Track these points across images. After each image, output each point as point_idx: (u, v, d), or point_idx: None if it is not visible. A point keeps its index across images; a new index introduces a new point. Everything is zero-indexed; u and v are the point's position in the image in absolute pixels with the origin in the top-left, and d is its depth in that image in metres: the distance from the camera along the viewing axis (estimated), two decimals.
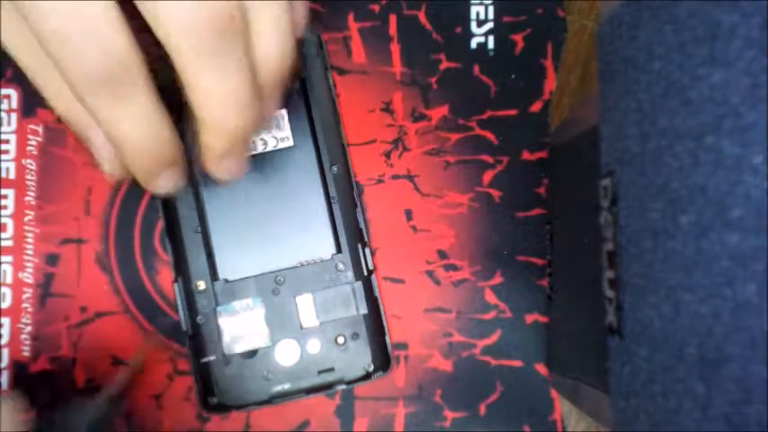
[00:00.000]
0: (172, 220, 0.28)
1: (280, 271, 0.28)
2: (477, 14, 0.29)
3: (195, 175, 0.27)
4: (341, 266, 0.28)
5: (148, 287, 0.28)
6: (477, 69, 0.29)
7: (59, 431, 0.23)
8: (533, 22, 0.29)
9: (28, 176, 0.28)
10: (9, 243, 0.28)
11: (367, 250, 0.28)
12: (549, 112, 0.29)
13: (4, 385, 0.28)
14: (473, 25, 0.29)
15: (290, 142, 0.28)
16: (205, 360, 0.28)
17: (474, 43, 0.29)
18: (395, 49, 0.29)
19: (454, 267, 0.29)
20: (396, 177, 0.29)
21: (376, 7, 0.29)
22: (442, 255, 0.29)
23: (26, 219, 0.28)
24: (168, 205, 0.28)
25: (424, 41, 0.29)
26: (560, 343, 0.27)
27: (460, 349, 0.28)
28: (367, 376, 0.28)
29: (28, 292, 0.28)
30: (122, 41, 0.20)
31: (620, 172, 0.18)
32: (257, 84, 0.22)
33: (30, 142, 0.28)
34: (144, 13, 0.20)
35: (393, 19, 0.29)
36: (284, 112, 0.28)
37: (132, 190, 0.28)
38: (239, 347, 0.28)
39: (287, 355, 0.28)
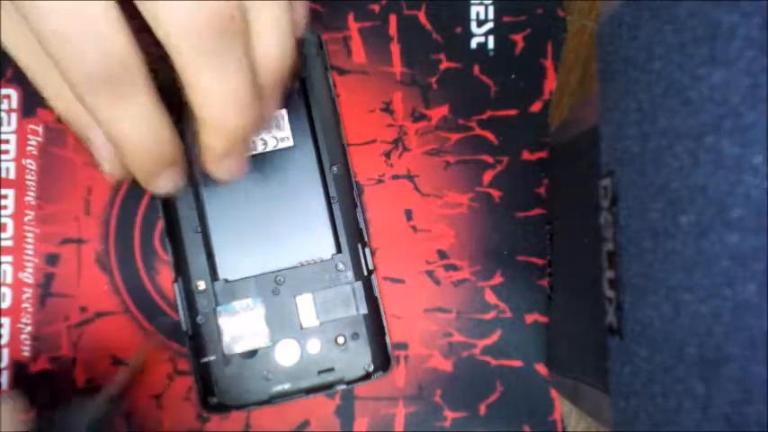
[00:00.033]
0: (172, 220, 0.28)
1: (280, 271, 0.28)
2: (477, 14, 0.29)
3: (195, 175, 0.27)
4: (341, 266, 0.28)
5: (148, 287, 0.28)
6: (477, 69, 0.29)
7: (59, 431, 0.23)
8: (533, 22, 0.29)
9: (28, 176, 0.28)
10: (9, 243, 0.28)
11: (367, 250, 0.28)
12: (549, 112, 0.29)
13: (4, 385, 0.28)
14: (473, 25, 0.29)
15: (290, 142, 0.28)
16: (205, 360, 0.28)
17: (474, 43, 0.29)
18: (395, 49, 0.29)
19: (454, 267, 0.29)
20: (396, 177, 0.29)
21: (376, 7, 0.29)
22: (442, 255, 0.29)
23: (26, 219, 0.28)
24: (168, 205, 0.28)
25: (424, 41, 0.29)
26: (560, 343, 0.27)
27: (460, 349, 0.28)
28: (367, 376, 0.28)
29: (28, 292, 0.28)
30: (122, 41, 0.20)
31: (620, 172, 0.18)
32: (257, 84, 0.22)
33: (30, 142, 0.28)
34: (144, 14, 0.20)
35: (393, 19, 0.29)
36: (284, 112, 0.28)
37: (132, 190, 0.28)
38: (239, 347, 0.28)
39: (287, 355, 0.28)
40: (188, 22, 0.19)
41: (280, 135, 0.28)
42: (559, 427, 0.28)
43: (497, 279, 0.29)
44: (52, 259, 0.28)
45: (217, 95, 0.21)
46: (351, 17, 0.29)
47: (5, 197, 0.28)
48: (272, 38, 0.21)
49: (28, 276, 0.28)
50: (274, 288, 0.28)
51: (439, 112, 0.29)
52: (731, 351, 0.14)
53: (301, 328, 0.28)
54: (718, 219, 0.14)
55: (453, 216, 0.29)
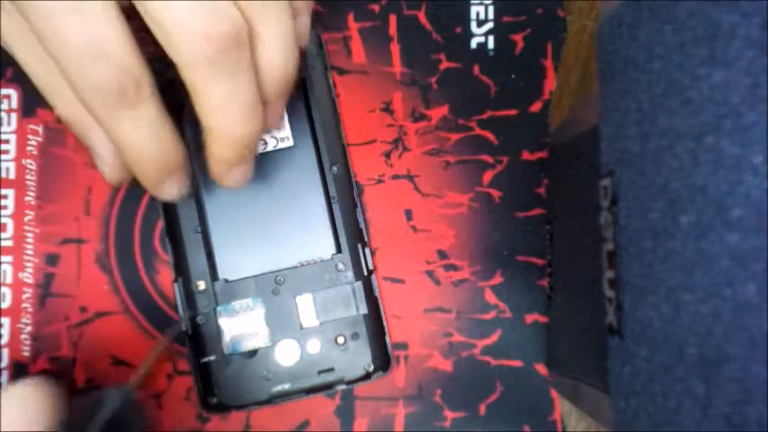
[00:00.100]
0: (172, 220, 0.28)
1: (280, 271, 0.28)
2: (477, 14, 0.29)
3: (195, 176, 0.27)
4: (341, 266, 0.28)
5: (148, 287, 0.28)
6: (477, 69, 0.29)
7: (87, 418, 0.22)
8: (533, 22, 0.29)
9: (28, 176, 0.28)
10: (9, 243, 0.28)
11: (367, 250, 0.28)
12: (549, 112, 0.29)
13: (5, 385, 0.28)
14: (473, 25, 0.29)
15: (290, 142, 0.28)
16: (205, 360, 0.28)
17: (474, 43, 0.29)
18: (395, 49, 0.29)
19: (454, 267, 0.29)
20: (396, 177, 0.29)
21: (376, 7, 0.29)
22: (442, 255, 0.29)
23: (26, 219, 0.28)
24: (168, 205, 0.28)
25: (424, 41, 0.29)
26: (560, 343, 0.27)
27: (460, 349, 0.28)
28: (367, 376, 0.28)
29: (28, 292, 0.28)
30: (131, 55, 0.20)
31: (620, 172, 0.18)
32: (262, 92, 0.22)
33: (30, 142, 0.28)
34: (150, 25, 0.20)
35: (393, 19, 0.29)
36: (284, 111, 0.28)
37: (132, 190, 0.28)
38: (239, 347, 0.28)
39: (287, 355, 0.28)
40: (196, 35, 0.19)
41: (280, 135, 0.28)
42: (559, 427, 0.28)
43: (497, 279, 0.29)
44: (52, 259, 0.28)
45: (224, 106, 0.21)
46: (351, 17, 0.29)
47: (5, 197, 0.28)
48: (277, 48, 0.22)
49: (28, 276, 0.28)
50: (274, 288, 0.28)
51: (439, 112, 0.29)
52: (731, 351, 0.14)
53: (301, 328, 0.28)
54: (718, 219, 0.14)
55: (453, 216, 0.29)
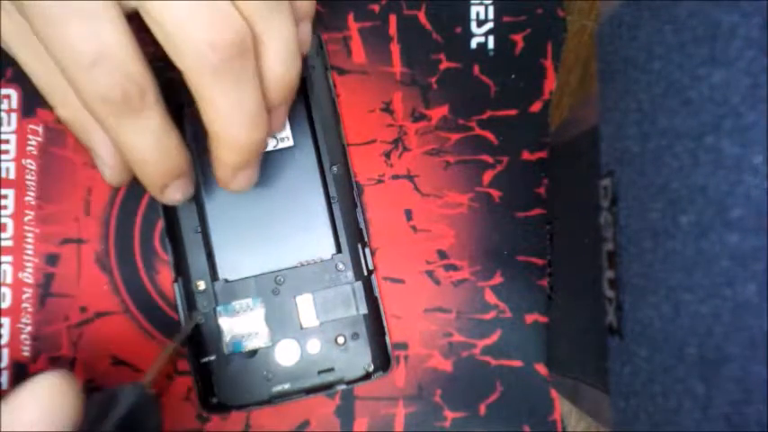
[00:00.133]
0: (172, 220, 0.28)
1: (280, 271, 0.28)
2: (477, 14, 0.29)
3: (195, 176, 0.27)
4: (341, 266, 0.28)
5: (148, 287, 0.28)
6: (477, 69, 0.29)
7: (100, 414, 0.21)
8: (533, 22, 0.29)
9: (28, 176, 0.28)
10: (9, 243, 0.28)
11: (367, 250, 0.28)
12: (549, 112, 0.29)
13: (5, 385, 0.28)
14: (473, 25, 0.29)
15: (290, 142, 0.28)
16: (205, 360, 0.28)
17: (474, 43, 0.29)
18: (395, 49, 0.29)
19: (454, 267, 0.29)
20: (396, 177, 0.29)
21: (376, 7, 0.29)
22: (442, 255, 0.29)
23: (26, 219, 0.28)
24: (168, 205, 0.28)
25: (424, 41, 0.29)
26: (560, 343, 0.27)
27: (460, 349, 0.28)
28: (367, 376, 0.28)
29: (28, 292, 0.28)
30: (136, 63, 0.20)
31: (620, 172, 0.18)
32: (267, 99, 0.22)
33: (30, 142, 0.28)
34: (155, 32, 0.20)
35: (393, 19, 0.29)
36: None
37: (132, 190, 0.28)
38: (239, 347, 0.28)
39: (287, 355, 0.28)
40: (201, 44, 0.20)
41: (280, 135, 0.28)
42: (559, 427, 0.28)
43: (497, 279, 0.29)
44: (52, 259, 0.28)
45: (230, 112, 0.21)
46: (351, 17, 0.29)
47: (5, 197, 0.28)
48: (281, 56, 0.22)
49: (28, 276, 0.28)
50: (274, 288, 0.28)
51: (439, 112, 0.29)
52: (731, 351, 0.14)
53: (301, 328, 0.28)
54: (718, 219, 0.14)
55: (453, 216, 0.29)
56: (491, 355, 0.28)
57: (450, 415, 0.28)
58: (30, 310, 0.28)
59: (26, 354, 0.28)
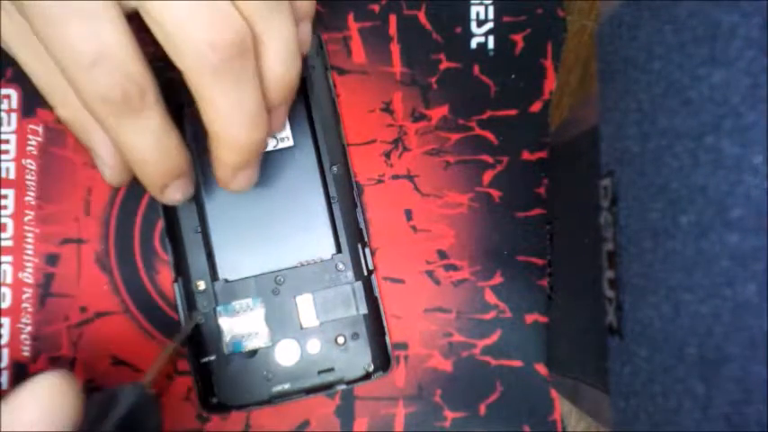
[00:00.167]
0: (172, 220, 0.28)
1: (280, 271, 0.28)
2: (477, 14, 0.29)
3: (195, 176, 0.27)
4: (341, 266, 0.28)
5: (148, 287, 0.28)
6: (477, 69, 0.29)
7: (101, 413, 0.21)
8: (533, 22, 0.29)
9: (28, 176, 0.28)
10: (9, 243, 0.28)
11: (367, 250, 0.28)
12: (549, 112, 0.29)
13: (5, 385, 0.28)
14: (473, 25, 0.29)
15: (290, 142, 0.28)
16: (205, 360, 0.28)
17: (474, 43, 0.29)
18: (395, 49, 0.29)
19: (454, 267, 0.29)
20: (396, 177, 0.29)
21: (376, 7, 0.29)
22: (442, 255, 0.29)
23: (26, 219, 0.28)
24: (168, 205, 0.28)
25: (424, 41, 0.29)
26: (560, 343, 0.27)
27: (460, 349, 0.28)
28: (367, 376, 0.28)
29: (28, 292, 0.28)
30: (136, 63, 0.20)
31: (620, 172, 0.18)
32: (267, 99, 0.22)
33: (30, 142, 0.28)
34: (156, 33, 0.20)
35: (393, 19, 0.29)
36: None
37: (132, 190, 0.28)
38: (239, 347, 0.28)
39: (287, 355, 0.28)
40: (201, 44, 0.20)
41: (280, 135, 0.28)
42: (559, 427, 0.28)
43: (497, 279, 0.29)
44: (52, 259, 0.28)
45: (230, 112, 0.21)
46: (351, 17, 0.29)
47: (5, 197, 0.28)
48: (281, 56, 0.22)
49: (28, 276, 0.28)
50: (274, 288, 0.28)
51: (439, 112, 0.29)
52: (731, 351, 0.14)
53: (301, 328, 0.28)
54: (718, 219, 0.14)
55: (453, 216, 0.29)
56: (491, 355, 0.28)
57: (450, 415, 0.28)
58: (30, 310, 0.28)
59: (26, 354, 0.28)
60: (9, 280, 0.28)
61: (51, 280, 0.28)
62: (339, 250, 0.28)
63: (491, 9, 0.29)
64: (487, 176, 0.29)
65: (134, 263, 0.28)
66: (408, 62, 0.29)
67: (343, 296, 0.28)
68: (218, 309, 0.28)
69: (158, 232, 0.28)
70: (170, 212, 0.28)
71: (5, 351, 0.28)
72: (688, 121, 0.15)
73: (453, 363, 0.28)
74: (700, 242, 0.15)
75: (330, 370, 0.28)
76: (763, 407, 0.13)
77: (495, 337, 0.29)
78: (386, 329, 0.28)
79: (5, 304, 0.28)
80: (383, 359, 0.28)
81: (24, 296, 0.28)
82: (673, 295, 0.16)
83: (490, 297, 0.29)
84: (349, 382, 0.28)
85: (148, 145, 0.22)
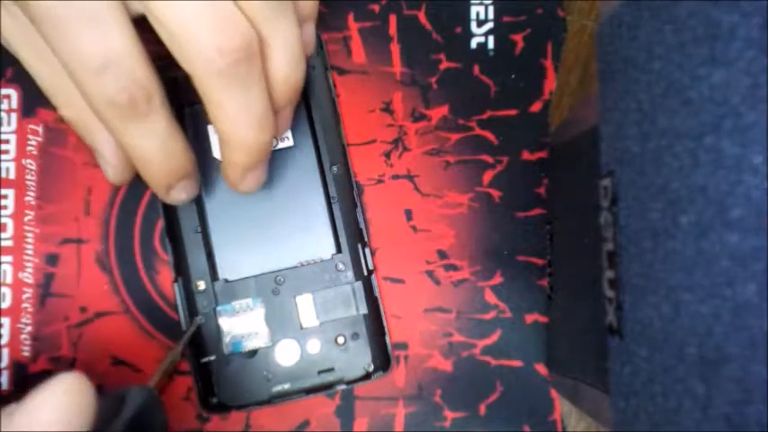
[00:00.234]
0: (172, 220, 0.28)
1: (280, 271, 0.28)
2: (477, 14, 0.29)
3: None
4: (341, 266, 0.28)
5: (148, 287, 0.28)
6: (477, 69, 0.29)
7: (108, 415, 0.21)
8: (533, 22, 0.29)
9: (28, 176, 0.28)
10: (9, 243, 0.28)
11: (367, 250, 0.28)
12: (549, 112, 0.29)
13: (5, 385, 0.28)
14: (473, 25, 0.29)
15: (290, 142, 0.28)
16: (205, 360, 0.28)
17: (474, 43, 0.29)
18: (395, 49, 0.29)
19: (454, 267, 0.29)
20: (396, 177, 0.29)
21: (376, 7, 0.29)
22: (442, 255, 0.29)
23: (26, 219, 0.28)
24: (168, 205, 0.28)
25: (424, 41, 0.29)
26: (560, 343, 0.27)
27: (460, 349, 0.28)
28: (367, 376, 0.28)
29: (28, 292, 0.28)
30: (143, 67, 0.20)
31: (620, 172, 0.18)
32: (273, 101, 0.22)
33: (30, 142, 0.28)
34: (163, 37, 0.20)
35: (393, 19, 0.29)
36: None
37: (132, 190, 0.28)
38: (239, 347, 0.28)
39: (287, 355, 0.28)
40: (208, 48, 0.20)
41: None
42: (559, 427, 0.28)
43: (497, 279, 0.29)
44: (52, 259, 0.28)
45: (238, 115, 0.22)
46: (351, 17, 0.29)
47: (5, 197, 0.28)
48: (287, 59, 0.22)
49: (28, 276, 0.28)
50: (274, 288, 0.28)
51: (439, 112, 0.29)
52: (731, 351, 0.14)
53: (301, 328, 0.28)
54: (718, 219, 0.14)
55: (453, 216, 0.29)
56: (491, 355, 0.28)
57: (450, 415, 0.28)
58: (30, 310, 0.28)
59: (26, 354, 0.28)
60: (9, 280, 0.28)
61: (51, 280, 0.28)
62: (339, 250, 0.28)
63: (491, 9, 0.29)
64: (487, 176, 0.29)
65: (134, 263, 0.28)
66: (408, 62, 0.29)
67: (343, 296, 0.28)
68: (218, 309, 0.28)
69: (158, 232, 0.28)
70: (170, 212, 0.28)
71: (5, 351, 0.28)
72: (688, 121, 0.15)
73: (453, 363, 0.28)
74: (700, 242, 0.15)
75: (330, 370, 0.28)
76: (763, 407, 0.13)
77: (495, 337, 0.29)
78: (386, 329, 0.28)
79: (5, 304, 0.28)
80: (383, 359, 0.28)
81: (24, 296, 0.28)
82: (673, 295, 0.16)
83: (490, 297, 0.29)
84: (349, 382, 0.28)
85: (154, 147, 0.22)
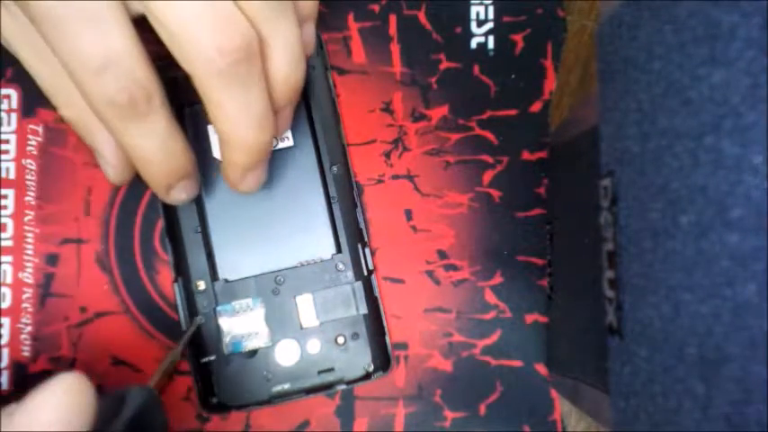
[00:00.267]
0: (172, 220, 0.28)
1: (280, 271, 0.28)
2: (477, 14, 0.29)
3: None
4: (341, 266, 0.28)
5: (148, 287, 0.28)
6: (477, 69, 0.29)
7: (108, 415, 0.21)
8: (533, 22, 0.29)
9: (28, 176, 0.28)
10: (9, 243, 0.28)
11: (367, 250, 0.28)
12: (549, 112, 0.29)
13: (5, 385, 0.28)
14: (473, 25, 0.29)
15: (290, 142, 0.28)
16: (205, 360, 0.28)
17: (474, 43, 0.29)
18: (395, 49, 0.29)
19: (454, 267, 0.29)
20: (396, 177, 0.29)
21: (376, 7, 0.29)
22: (442, 255, 0.29)
23: (26, 219, 0.28)
24: (168, 205, 0.28)
25: (424, 41, 0.29)
26: (560, 343, 0.27)
27: (460, 349, 0.28)
28: (367, 376, 0.28)
29: (28, 292, 0.28)
30: (143, 68, 0.20)
31: (620, 172, 0.18)
32: (273, 101, 0.23)
33: (30, 142, 0.28)
34: (163, 37, 0.20)
35: (393, 19, 0.29)
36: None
37: (132, 190, 0.28)
38: (239, 347, 0.28)
39: (287, 355, 0.28)
40: (209, 49, 0.20)
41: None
42: (559, 427, 0.28)
43: (497, 279, 0.29)
44: (52, 259, 0.28)
45: (239, 115, 0.22)
46: (351, 17, 0.29)
47: (5, 197, 0.28)
48: (287, 59, 0.22)
49: (28, 276, 0.28)
50: (274, 288, 0.28)
51: (439, 112, 0.29)
52: (731, 351, 0.14)
53: (301, 328, 0.28)
54: (718, 219, 0.14)
55: (453, 216, 0.29)
56: (491, 355, 0.28)
57: (450, 415, 0.28)
58: (30, 310, 0.28)
59: (26, 354, 0.28)
60: (9, 280, 0.28)
61: (51, 280, 0.28)
62: (339, 250, 0.28)
63: (491, 9, 0.29)
64: (487, 176, 0.29)
65: (134, 263, 0.28)
66: (408, 62, 0.29)
67: (343, 296, 0.28)
68: (218, 309, 0.28)
69: (158, 232, 0.28)
70: (170, 212, 0.28)
71: (5, 351, 0.28)
72: (688, 121, 0.15)
73: (453, 363, 0.28)
74: (700, 242, 0.15)
75: (330, 370, 0.28)
76: (763, 407, 0.13)
77: (495, 337, 0.29)
78: (386, 329, 0.28)
79: (5, 304, 0.28)
80: (383, 359, 0.28)
81: (24, 296, 0.28)
82: (673, 295, 0.16)
83: (490, 297, 0.29)
84: (349, 382, 0.28)
85: (154, 147, 0.22)
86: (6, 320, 0.28)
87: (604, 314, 0.19)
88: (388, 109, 0.29)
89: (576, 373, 0.24)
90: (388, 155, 0.29)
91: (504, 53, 0.29)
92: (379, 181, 0.29)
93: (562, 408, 0.28)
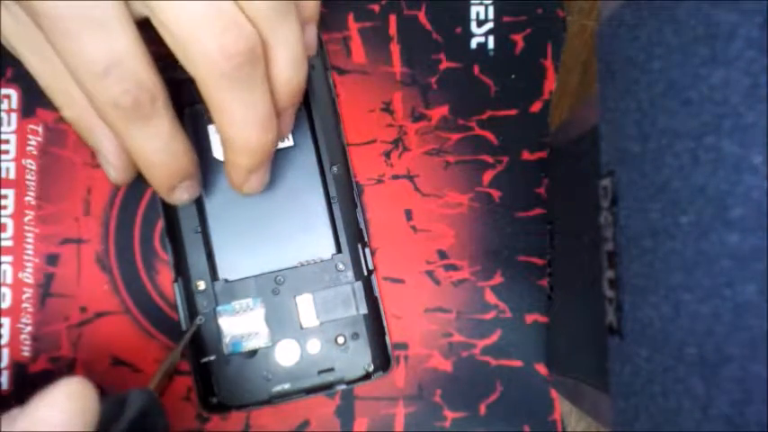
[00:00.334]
0: (172, 220, 0.28)
1: (280, 271, 0.28)
2: (477, 14, 0.29)
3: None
4: (341, 266, 0.28)
5: (148, 287, 0.28)
6: (477, 69, 0.29)
7: (109, 418, 0.21)
8: (533, 22, 0.29)
9: (28, 176, 0.28)
10: (9, 243, 0.28)
11: (367, 250, 0.28)
12: (549, 112, 0.29)
13: (5, 385, 0.28)
14: (473, 25, 0.29)
15: (290, 142, 0.28)
16: (205, 360, 0.28)
17: (474, 43, 0.29)
18: (395, 49, 0.29)
19: (454, 267, 0.29)
20: (396, 177, 0.29)
21: (376, 7, 0.29)
22: (442, 255, 0.29)
23: (26, 219, 0.28)
24: (168, 205, 0.28)
25: (424, 41, 0.29)
26: (560, 343, 0.27)
27: (460, 349, 0.28)
28: (367, 376, 0.28)
29: (28, 292, 0.28)
30: (147, 70, 0.20)
31: (620, 172, 0.18)
32: (276, 103, 0.23)
33: (30, 142, 0.28)
34: (167, 40, 0.20)
35: (393, 19, 0.29)
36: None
37: (132, 190, 0.28)
38: (239, 347, 0.28)
39: (287, 355, 0.28)
40: (213, 52, 0.20)
41: None
42: (559, 427, 0.28)
43: (497, 279, 0.29)
44: (52, 259, 0.28)
45: (242, 117, 0.22)
46: (351, 17, 0.29)
47: (5, 197, 0.28)
48: (289, 61, 0.23)
49: (28, 276, 0.28)
50: (274, 288, 0.28)
51: (439, 112, 0.29)
52: (731, 351, 0.14)
53: (301, 328, 0.28)
54: (718, 219, 0.14)
55: (453, 216, 0.29)
56: (491, 355, 0.28)
57: (450, 415, 0.28)
58: (30, 310, 0.28)
59: (26, 354, 0.28)
60: (9, 280, 0.28)
61: (51, 280, 0.28)
62: (339, 250, 0.28)
63: (491, 9, 0.29)
64: (487, 176, 0.29)
65: (134, 263, 0.28)
66: (408, 62, 0.29)
67: (343, 296, 0.28)
68: (218, 309, 0.28)
69: (158, 232, 0.28)
70: (170, 212, 0.28)
71: (5, 351, 0.28)
72: (688, 121, 0.15)
73: (453, 363, 0.28)
74: (700, 242, 0.15)
75: (330, 370, 0.28)
76: (763, 407, 0.13)
77: (495, 337, 0.29)
78: (386, 329, 0.28)
79: (5, 304, 0.28)
80: (383, 359, 0.28)
81: (24, 296, 0.28)
82: (673, 295, 0.16)
83: (490, 297, 0.29)
84: (349, 382, 0.28)
85: (157, 149, 0.22)
86: (6, 320, 0.28)
87: (604, 314, 0.19)
88: (388, 109, 0.29)
89: (576, 373, 0.24)
90: (388, 155, 0.29)
91: (504, 53, 0.29)
92: (379, 181, 0.29)
93: (562, 408, 0.28)
